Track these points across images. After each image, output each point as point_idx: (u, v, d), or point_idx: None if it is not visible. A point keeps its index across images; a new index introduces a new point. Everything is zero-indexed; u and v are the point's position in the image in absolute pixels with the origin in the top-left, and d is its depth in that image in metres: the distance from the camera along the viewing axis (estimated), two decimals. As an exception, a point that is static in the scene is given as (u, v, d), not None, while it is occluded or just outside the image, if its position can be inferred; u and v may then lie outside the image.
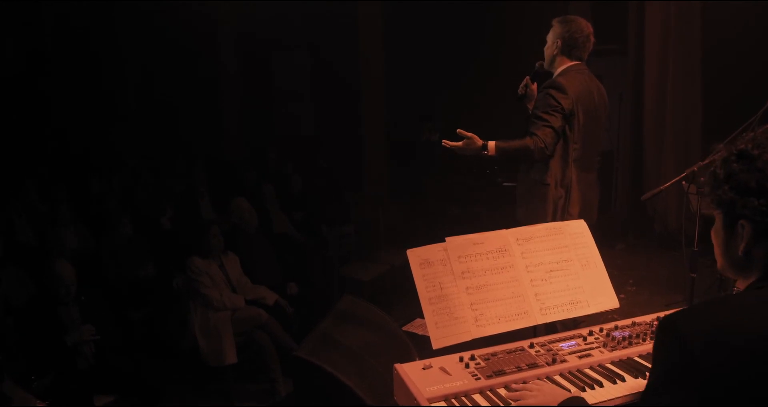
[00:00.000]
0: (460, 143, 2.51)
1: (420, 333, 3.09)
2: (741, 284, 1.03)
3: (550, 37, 2.63)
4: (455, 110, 7.19)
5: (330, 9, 6.91)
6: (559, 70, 2.63)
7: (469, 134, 2.49)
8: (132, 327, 3.67)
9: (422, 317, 1.73)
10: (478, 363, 1.58)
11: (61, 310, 2.89)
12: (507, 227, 1.94)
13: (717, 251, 1.06)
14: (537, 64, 2.74)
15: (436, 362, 1.58)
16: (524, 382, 1.52)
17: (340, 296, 3.94)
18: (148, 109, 8.11)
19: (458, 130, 2.50)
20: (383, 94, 6.36)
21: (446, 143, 2.54)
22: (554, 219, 2.57)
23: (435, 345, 1.68)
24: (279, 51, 8.41)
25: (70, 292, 2.89)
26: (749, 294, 0.99)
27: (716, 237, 1.05)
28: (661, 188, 2.45)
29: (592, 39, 2.61)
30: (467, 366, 1.57)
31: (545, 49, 2.67)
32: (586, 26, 2.60)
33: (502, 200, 6.05)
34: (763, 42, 4.59)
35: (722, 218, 1.02)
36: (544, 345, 1.69)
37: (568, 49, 2.58)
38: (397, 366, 1.56)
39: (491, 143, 2.50)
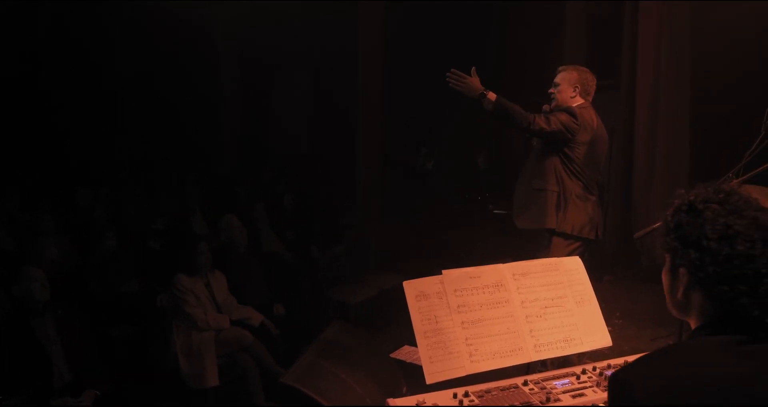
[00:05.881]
0: (466, 80, 2.70)
1: (408, 361, 3.04)
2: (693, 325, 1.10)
3: (566, 81, 2.98)
4: (454, 133, 7.24)
5: (330, 30, 7.01)
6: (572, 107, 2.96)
7: (472, 78, 2.70)
8: (112, 345, 3.56)
9: (410, 344, 1.70)
10: (472, 400, 1.56)
11: (36, 324, 2.75)
12: (498, 253, 1.95)
13: (664, 290, 1.14)
14: (544, 107, 3.05)
15: (430, 398, 1.55)
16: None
17: (328, 319, 3.87)
18: (144, 123, 8.06)
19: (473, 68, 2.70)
20: (381, 116, 6.39)
21: (453, 74, 2.66)
22: (554, 223, 2.83)
23: (429, 380, 1.65)
24: (278, 71, 8.47)
25: (41, 298, 2.75)
26: (691, 345, 1.05)
27: (664, 278, 1.14)
28: (654, 226, 2.47)
29: (595, 85, 3.03)
30: (461, 402, 1.54)
31: (559, 92, 2.98)
32: (592, 75, 3.03)
33: (492, 227, 6.10)
34: (754, 80, 4.68)
35: (669, 262, 1.11)
36: (538, 382, 1.67)
37: (585, 92, 2.98)
38: (390, 401, 1.52)
39: (492, 93, 2.69)
